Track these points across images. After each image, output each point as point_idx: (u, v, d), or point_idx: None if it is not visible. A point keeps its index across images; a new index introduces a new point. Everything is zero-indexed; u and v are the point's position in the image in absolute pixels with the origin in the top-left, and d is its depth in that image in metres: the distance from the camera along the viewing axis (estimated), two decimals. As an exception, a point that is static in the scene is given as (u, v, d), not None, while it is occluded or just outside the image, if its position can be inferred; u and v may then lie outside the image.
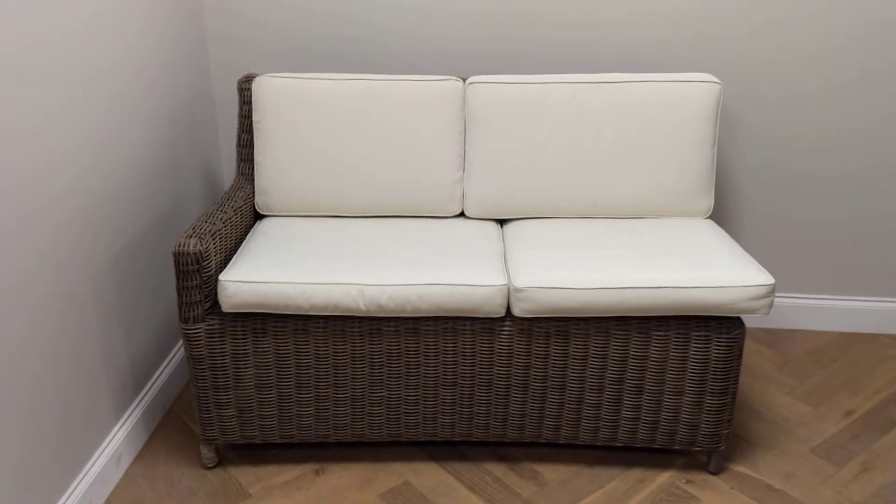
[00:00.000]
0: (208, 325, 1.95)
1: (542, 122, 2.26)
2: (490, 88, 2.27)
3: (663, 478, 2.11)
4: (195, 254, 1.88)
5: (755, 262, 1.99)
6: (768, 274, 1.93)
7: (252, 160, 2.38)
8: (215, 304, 1.98)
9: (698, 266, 1.95)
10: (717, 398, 2.01)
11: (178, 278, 1.90)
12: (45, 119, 1.74)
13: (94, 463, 1.98)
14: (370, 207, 2.31)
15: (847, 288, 2.79)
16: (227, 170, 2.82)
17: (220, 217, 2.06)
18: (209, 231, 1.96)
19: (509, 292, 1.94)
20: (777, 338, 2.80)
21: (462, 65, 2.60)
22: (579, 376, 2.01)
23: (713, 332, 1.95)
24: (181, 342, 2.50)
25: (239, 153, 2.40)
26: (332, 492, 2.06)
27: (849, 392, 2.48)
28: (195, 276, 1.90)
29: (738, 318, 1.97)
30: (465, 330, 1.97)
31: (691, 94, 2.25)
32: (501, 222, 2.36)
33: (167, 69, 2.34)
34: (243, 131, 2.38)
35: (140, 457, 2.18)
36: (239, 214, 2.20)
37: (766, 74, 2.55)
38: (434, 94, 2.27)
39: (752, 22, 2.49)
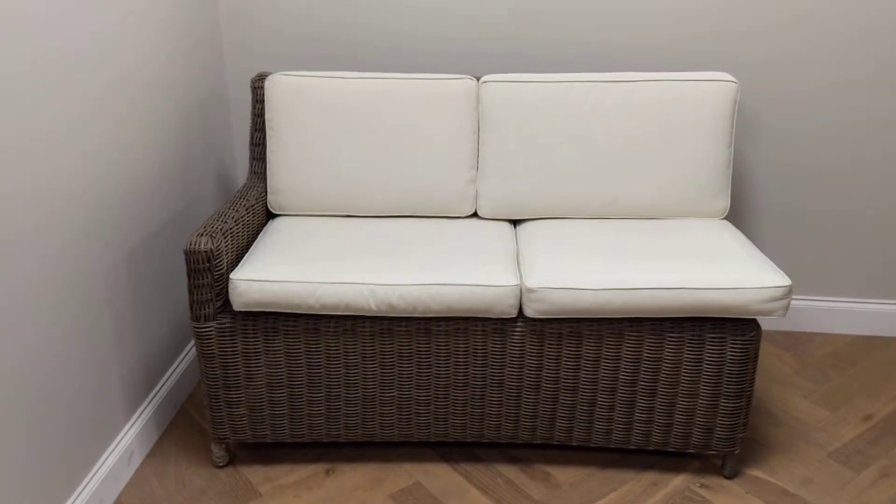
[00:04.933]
0: (219, 324, 1.95)
1: (555, 122, 2.24)
2: (504, 88, 2.26)
3: (677, 481, 2.08)
4: (206, 252, 1.88)
5: (771, 263, 1.96)
6: (784, 275, 1.90)
7: (265, 159, 2.38)
8: (227, 302, 1.98)
9: (713, 267, 1.93)
10: (733, 401, 1.98)
11: (189, 276, 1.90)
12: (68, 121, 1.76)
13: (106, 460, 1.98)
14: (382, 207, 2.30)
15: (866, 290, 2.75)
16: (241, 170, 2.82)
17: (231, 216, 2.06)
18: (221, 230, 1.96)
19: (521, 292, 1.93)
20: (795, 341, 2.76)
21: (476, 64, 2.58)
22: (592, 378, 1.99)
23: (728, 333, 1.92)
24: (193, 341, 2.50)
25: (252, 152, 2.40)
26: (342, 492, 2.05)
27: (868, 396, 2.45)
28: (206, 274, 1.90)
29: (754, 320, 1.94)
30: (476, 330, 1.96)
31: (707, 93, 2.22)
32: (515, 223, 2.34)
33: (183, 73, 2.34)
34: (256, 130, 2.38)
35: (151, 455, 2.18)
36: (251, 213, 2.19)
37: (784, 73, 2.51)
38: (448, 94, 2.26)
39: (768, 19, 2.46)
